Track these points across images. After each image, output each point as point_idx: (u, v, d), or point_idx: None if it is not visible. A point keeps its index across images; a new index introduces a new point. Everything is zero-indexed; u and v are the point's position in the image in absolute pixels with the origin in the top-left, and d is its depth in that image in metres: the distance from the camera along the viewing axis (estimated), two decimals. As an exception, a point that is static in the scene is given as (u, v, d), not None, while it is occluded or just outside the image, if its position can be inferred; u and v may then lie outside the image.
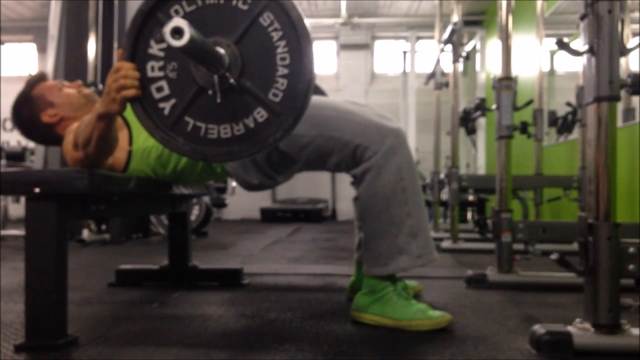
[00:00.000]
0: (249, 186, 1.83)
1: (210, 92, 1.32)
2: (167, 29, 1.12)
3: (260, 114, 1.35)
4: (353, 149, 1.64)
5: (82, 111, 1.86)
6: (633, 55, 3.53)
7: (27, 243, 1.38)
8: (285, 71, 1.33)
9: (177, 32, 1.12)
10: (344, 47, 9.36)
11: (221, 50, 1.30)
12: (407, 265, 1.63)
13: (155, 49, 1.37)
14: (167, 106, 1.38)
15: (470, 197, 5.79)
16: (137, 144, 1.78)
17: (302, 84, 1.32)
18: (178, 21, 1.12)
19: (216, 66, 1.29)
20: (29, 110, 1.87)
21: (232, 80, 1.31)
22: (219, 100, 1.31)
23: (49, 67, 4.39)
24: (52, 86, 1.90)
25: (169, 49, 1.35)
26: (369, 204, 1.64)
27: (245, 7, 1.33)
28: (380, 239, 1.63)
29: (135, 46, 1.37)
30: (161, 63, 1.37)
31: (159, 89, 1.38)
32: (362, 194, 1.65)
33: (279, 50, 1.33)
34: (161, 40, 1.35)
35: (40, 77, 1.93)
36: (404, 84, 8.13)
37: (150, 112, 1.38)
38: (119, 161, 1.77)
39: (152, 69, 1.37)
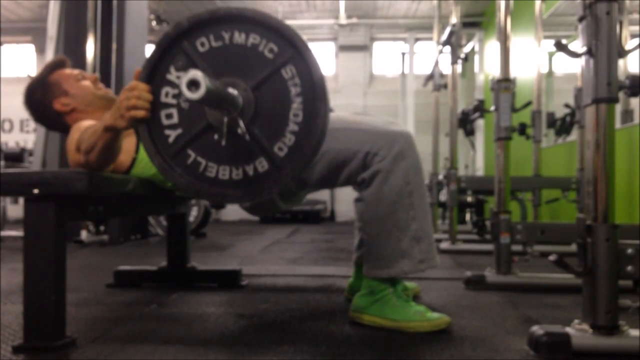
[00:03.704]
0: (249, 210, 1.85)
1: (216, 136, 1.32)
2: (183, 81, 1.12)
3: (262, 164, 1.35)
4: (363, 157, 1.63)
5: (95, 106, 1.86)
6: (632, 57, 3.53)
7: (25, 244, 1.38)
8: (296, 128, 1.33)
9: (194, 84, 1.12)
10: (343, 48, 9.37)
11: (235, 92, 1.30)
12: (409, 269, 1.63)
13: (173, 75, 1.37)
14: (172, 134, 1.38)
15: (469, 199, 5.79)
16: (143, 154, 1.78)
17: (310, 145, 1.32)
18: (195, 73, 1.12)
19: (229, 110, 1.29)
20: (42, 94, 1.86)
21: (240, 130, 1.31)
22: (223, 143, 1.31)
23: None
24: (70, 75, 1.88)
25: None
26: (374, 206, 1.63)
27: (270, 56, 1.34)
28: (383, 241, 1.63)
29: (155, 69, 1.38)
30: (176, 91, 1.37)
31: (169, 116, 1.38)
32: (368, 197, 1.64)
33: (294, 105, 1.33)
34: (182, 68, 1.36)
35: (59, 63, 1.92)
36: (402, 85, 8.14)
37: (155, 136, 1.39)
38: (123, 164, 1.77)
39: (167, 94, 1.38)
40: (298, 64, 1.33)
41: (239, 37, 1.35)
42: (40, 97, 1.86)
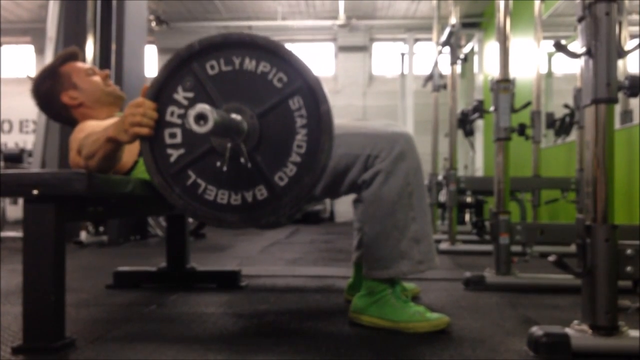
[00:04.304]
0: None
1: (218, 163, 1.33)
2: (191, 114, 1.12)
3: (261, 192, 1.36)
4: (364, 160, 1.63)
5: (102, 102, 1.87)
6: (631, 57, 3.54)
7: (25, 245, 1.37)
8: (298, 159, 1.34)
9: (202, 118, 1.12)
10: (342, 49, 9.37)
11: (239, 117, 1.30)
12: (408, 270, 1.62)
13: (180, 95, 1.38)
14: (174, 154, 1.39)
15: (468, 199, 5.79)
16: None
17: (311, 177, 1.33)
18: (203, 107, 1.12)
19: (233, 137, 1.30)
20: (51, 85, 1.86)
21: (242, 158, 1.31)
22: (225, 169, 1.32)
23: (47, 69, 4.38)
24: (81, 69, 1.89)
25: (193, 100, 1.36)
26: (374, 207, 1.63)
27: (279, 85, 1.34)
28: (383, 242, 1.62)
29: (162, 88, 1.38)
30: (182, 111, 1.37)
31: (172, 135, 1.38)
32: (368, 197, 1.64)
33: (299, 137, 1.34)
34: (190, 89, 1.37)
35: (72, 54, 1.92)
36: (402, 85, 8.14)
37: (157, 154, 1.39)
38: (125, 165, 1.76)
39: (172, 114, 1.38)
40: (306, 95, 1.33)
41: (250, 64, 1.35)
42: (49, 88, 1.86)
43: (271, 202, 1.35)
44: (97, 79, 1.88)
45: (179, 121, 1.38)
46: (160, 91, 1.38)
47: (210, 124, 1.12)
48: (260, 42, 1.35)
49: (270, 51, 1.35)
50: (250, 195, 1.36)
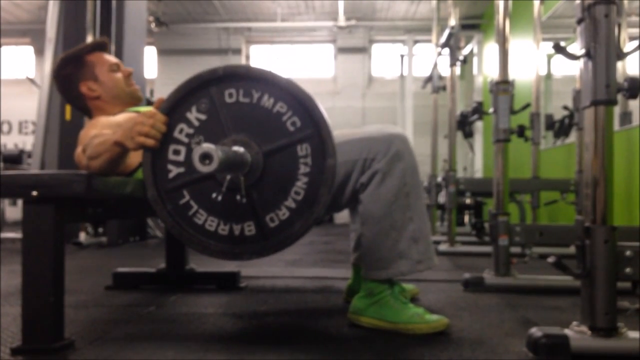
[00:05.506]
0: None
1: (214, 194, 1.33)
2: (196, 153, 1.13)
3: (250, 229, 1.37)
4: (362, 165, 1.63)
5: (120, 100, 1.88)
6: (630, 59, 3.54)
7: (24, 246, 1.37)
8: (293, 205, 1.35)
9: (207, 158, 1.13)
10: (342, 50, 9.37)
11: (245, 151, 1.31)
12: (407, 270, 1.62)
13: (193, 115, 1.39)
14: (174, 171, 1.40)
15: (468, 201, 5.79)
16: None
17: (302, 225, 1.34)
18: (208, 147, 1.13)
19: (235, 171, 1.30)
20: (72, 71, 1.86)
21: (238, 195, 1.32)
22: (219, 199, 1.32)
23: (47, 70, 4.38)
24: (106, 62, 1.89)
25: (205, 122, 1.38)
26: (371, 208, 1.63)
27: (291, 128, 1.36)
28: (381, 242, 1.63)
29: (177, 104, 1.39)
30: (191, 131, 1.39)
31: (176, 152, 1.39)
32: (366, 198, 1.64)
33: (299, 183, 1.35)
34: (204, 111, 1.38)
35: (101, 45, 1.93)
36: (401, 87, 8.14)
37: (157, 168, 1.40)
38: (129, 165, 1.76)
39: (181, 131, 1.39)
40: (315, 145, 1.35)
41: (267, 101, 1.37)
42: (70, 74, 1.86)
43: (257, 241, 1.37)
44: (119, 76, 1.89)
45: (185, 140, 1.39)
46: (175, 107, 1.39)
47: (214, 165, 1.12)
48: (281, 82, 1.36)
49: (290, 93, 1.36)
50: (238, 229, 1.38)
